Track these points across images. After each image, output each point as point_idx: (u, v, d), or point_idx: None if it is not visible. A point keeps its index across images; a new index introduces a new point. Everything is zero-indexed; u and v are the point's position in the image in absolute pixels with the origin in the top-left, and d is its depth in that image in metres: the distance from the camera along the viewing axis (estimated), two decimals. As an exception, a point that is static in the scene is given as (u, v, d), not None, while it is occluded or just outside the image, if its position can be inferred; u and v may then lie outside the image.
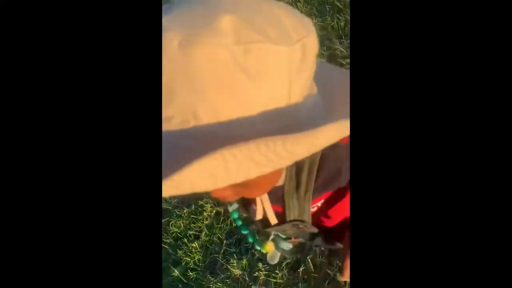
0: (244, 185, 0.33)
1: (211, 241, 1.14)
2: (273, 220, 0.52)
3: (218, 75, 0.25)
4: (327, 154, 0.44)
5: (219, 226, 1.15)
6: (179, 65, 0.25)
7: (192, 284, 1.07)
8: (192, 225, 1.17)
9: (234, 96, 0.26)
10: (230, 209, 0.58)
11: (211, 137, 0.27)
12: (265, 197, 0.50)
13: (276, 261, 0.62)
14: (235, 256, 1.06)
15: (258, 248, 0.59)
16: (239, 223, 0.59)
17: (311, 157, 0.44)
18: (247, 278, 1.02)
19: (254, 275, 1.01)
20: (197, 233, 1.16)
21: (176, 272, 1.09)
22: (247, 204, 0.56)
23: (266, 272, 1.01)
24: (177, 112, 0.26)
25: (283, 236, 0.58)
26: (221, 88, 0.26)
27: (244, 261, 1.05)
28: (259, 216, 0.52)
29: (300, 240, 0.60)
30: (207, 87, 0.26)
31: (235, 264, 1.05)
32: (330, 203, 0.55)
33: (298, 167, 0.45)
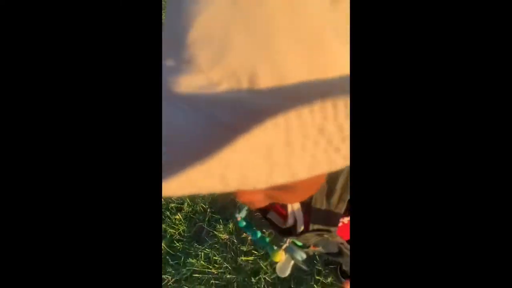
0: (284, 188, 0.27)
1: (194, 211, 1.13)
2: (300, 228, 0.47)
3: (293, 24, 0.20)
4: None
5: (201, 196, 1.14)
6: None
7: (180, 254, 1.06)
8: (172, 198, 1.16)
9: (315, 54, 0.21)
10: (239, 216, 0.52)
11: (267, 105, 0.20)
12: (297, 203, 0.45)
13: (286, 274, 0.54)
14: (221, 222, 1.07)
15: (270, 253, 0.53)
16: (248, 226, 0.53)
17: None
18: (235, 241, 1.04)
19: (242, 236, 1.03)
20: (179, 205, 1.15)
21: (162, 245, 1.08)
22: (263, 211, 0.49)
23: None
24: (226, 74, 0.20)
25: (299, 244, 0.52)
26: (296, 42, 0.20)
27: (231, 225, 1.06)
28: (290, 222, 0.46)
29: (320, 249, 0.54)
30: (274, 38, 0.20)
31: (221, 229, 1.06)
32: None
33: (333, 174, 0.39)
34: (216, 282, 0.99)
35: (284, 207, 0.47)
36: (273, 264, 0.87)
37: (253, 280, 0.96)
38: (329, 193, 0.42)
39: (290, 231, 0.47)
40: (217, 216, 1.09)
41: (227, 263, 1.01)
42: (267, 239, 0.54)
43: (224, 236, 1.05)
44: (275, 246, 0.52)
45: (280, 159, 0.20)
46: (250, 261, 0.99)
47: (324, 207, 0.43)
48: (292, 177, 0.20)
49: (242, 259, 1.00)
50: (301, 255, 0.51)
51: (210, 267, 1.01)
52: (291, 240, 0.51)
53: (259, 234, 0.53)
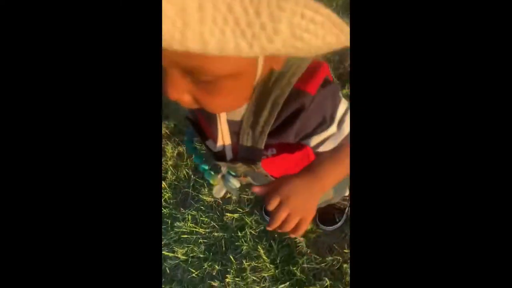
0: (208, 91, 0.31)
1: (178, 179, 1.16)
2: (229, 157, 0.51)
3: None
4: (290, 100, 0.42)
5: (184, 163, 1.18)
6: None
7: (167, 220, 1.10)
8: (156, 168, 1.18)
9: None
10: (186, 138, 0.59)
11: None
12: (225, 125, 0.48)
13: (221, 195, 0.62)
14: (205, 185, 1.11)
15: (208, 178, 0.60)
16: (193, 152, 0.60)
17: (275, 98, 0.42)
18: (220, 202, 1.08)
19: (227, 197, 1.08)
20: (163, 174, 1.18)
21: (149, 212, 1.11)
22: (204, 137, 0.55)
23: (239, 192, 1.08)
24: None
25: (233, 174, 0.58)
26: None
27: (215, 188, 1.10)
28: (219, 142, 0.50)
29: (248, 179, 0.60)
30: None
31: (206, 192, 1.10)
32: (278, 154, 0.51)
33: (259, 104, 0.43)
34: (205, 241, 1.04)
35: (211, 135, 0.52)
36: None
37: (239, 234, 1.01)
38: (254, 125, 0.44)
39: (223, 157, 0.52)
40: (201, 181, 1.13)
41: (214, 222, 1.05)
42: (207, 167, 0.59)
43: (209, 198, 1.09)
44: (213, 172, 0.59)
45: (192, 22, 0.21)
46: (236, 218, 1.04)
47: (249, 143, 0.46)
48: (203, 46, 0.22)
49: (227, 216, 1.05)
50: (234, 184, 0.57)
51: (198, 228, 1.06)
52: (226, 169, 0.56)
53: (201, 159, 0.60)
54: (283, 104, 0.42)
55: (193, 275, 0.99)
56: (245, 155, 0.49)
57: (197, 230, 1.05)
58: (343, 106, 0.46)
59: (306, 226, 0.43)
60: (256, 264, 0.96)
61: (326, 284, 0.90)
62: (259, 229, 1.01)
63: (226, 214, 1.05)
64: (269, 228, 0.42)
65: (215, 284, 0.97)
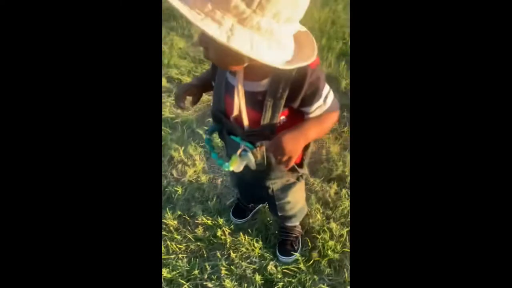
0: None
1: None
2: (246, 121, 0.65)
3: None
4: (297, 70, 0.57)
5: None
6: None
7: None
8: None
9: None
10: (206, 136, 0.75)
11: None
12: (241, 93, 0.63)
13: (240, 169, 0.71)
14: (168, 210, 1.16)
15: (227, 168, 0.70)
16: (211, 149, 0.76)
17: (290, 70, 0.56)
18: (188, 218, 1.14)
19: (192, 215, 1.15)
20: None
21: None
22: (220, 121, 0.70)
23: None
24: None
25: (250, 146, 0.69)
26: None
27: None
28: (236, 112, 0.64)
29: (263, 147, 0.69)
30: None
31: (170, 216, 1.14)
32: (287, 121, 0.67)
33: (279, 75, 0.59)
34: (184, 255, 1.05)
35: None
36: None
37: (215, 239, 1.08)
38: (275, 94, 0.61)
39: (241, 127, 0.67)
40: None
41: (188, 235, 1.09)
42: (221, 161, 0.73)
43: (174, 222, 1.14)
44: (230, 158, 0.70)
45: None
46: (207, 226, 1.12)
47: (270, 112, 0.63)
48: None
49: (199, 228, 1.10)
50: (250, 158, 0.69)
51: (174, 246, 1.06)
52: (244, 144, 0.70)
53: (215, 155, 0.76)
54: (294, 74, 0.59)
55: (186, 286, 0.97)
56: (267, 126, 0.65)
57: (174, 249, 1.06)
58: (327, 87, 0.66)
59: (293, 162, 0.65)
60: (243, 251, 1.04)
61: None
62: (232, 225, 1.12)
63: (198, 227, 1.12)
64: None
65: (211, 285, 0.97)
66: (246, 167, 0.71)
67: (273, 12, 0.47)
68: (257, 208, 1.16)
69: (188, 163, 1.33)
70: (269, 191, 0.86)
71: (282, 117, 0.67)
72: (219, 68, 0.70)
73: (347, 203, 1.15)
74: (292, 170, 0.80)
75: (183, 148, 1.38)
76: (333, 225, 1.09)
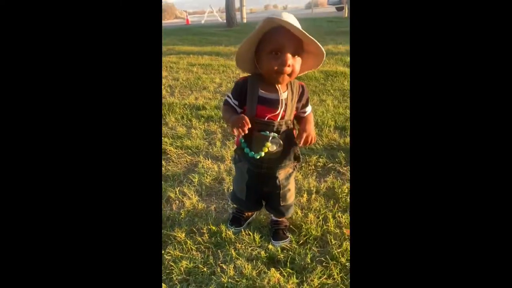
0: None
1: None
2: (287, 116, 1.06)
3: None
4: (299, 88, 1.08)
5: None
6: None
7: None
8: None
9: None
10: (238, 138, 1.09)
11: None
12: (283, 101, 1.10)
13: (274, 149, 1.06)
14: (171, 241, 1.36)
15: (258, 156, 1.05)
16: (242, 141, 1.09)
17: (297, 87, 1.09)
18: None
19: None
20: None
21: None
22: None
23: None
24: None
25: (276, 136, 1.05)
26: None
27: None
28: (281, 110, 1.08)
29: (281, 138, 1.07)
30: None
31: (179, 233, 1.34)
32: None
33: (292, 89, 1.06)
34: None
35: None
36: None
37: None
38: (291, 101, 1.11)
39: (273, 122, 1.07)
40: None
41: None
42: (252, 153, 1.08)
43: (182, 235, 1.34)
44: (262, 147, 1.07)
45: None
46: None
47: (289, 111, 1.08)
48: None
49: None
50: (279, 142, 1.06)
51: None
52: (272, 135, 1.06)
53: (248, 150, 1.10)
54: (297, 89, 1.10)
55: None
56: (286, 121, 1.08)
57: (188, 248, 1.24)
58: (307, 95, 1.14)
59: (314, 140, 1.09)
60: (246, 242, 1.27)
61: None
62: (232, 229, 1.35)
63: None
64: (301, 144, 1.07)
65: (225, 266, 1.16)
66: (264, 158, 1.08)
67: None
68: (251, 218, 1.43)
69: (183, 199, 1.59)
70: (277, 181, 1.19)
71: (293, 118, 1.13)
72: (250, 89, 1.06)
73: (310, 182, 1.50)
74: (298, 159, 1.20)
75: (178, 188, 1.65)
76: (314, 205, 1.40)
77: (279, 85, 1.06)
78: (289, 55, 0.97)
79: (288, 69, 0.98)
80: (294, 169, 1.24)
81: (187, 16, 15.75)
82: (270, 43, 0.97)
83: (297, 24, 0.95)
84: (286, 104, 1.06)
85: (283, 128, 1.09)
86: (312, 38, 0.95)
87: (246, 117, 0.99)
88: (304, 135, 1.06)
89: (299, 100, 1.11)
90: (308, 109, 1.15)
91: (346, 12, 9.88)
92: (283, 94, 1.07)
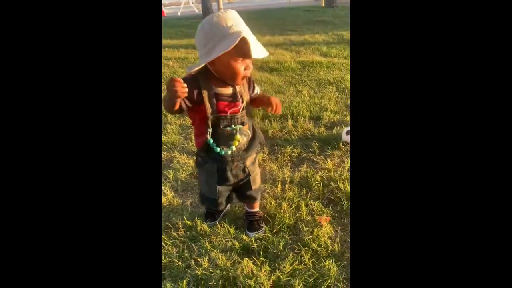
0: None
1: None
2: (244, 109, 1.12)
3: None
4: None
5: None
6: None
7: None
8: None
9: None
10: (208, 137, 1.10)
11: None
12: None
13: (245, 140, 1.13)
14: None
15: (230, 149, 1.11)
16: (211, 142, 1.13)
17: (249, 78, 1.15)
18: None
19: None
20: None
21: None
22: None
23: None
24: None
25: (241, 127, 1.11)
26: None
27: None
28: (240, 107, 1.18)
29: (247, 126, 1.15)
30: None
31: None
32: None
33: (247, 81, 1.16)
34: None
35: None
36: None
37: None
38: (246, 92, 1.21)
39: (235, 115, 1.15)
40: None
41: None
42: (222, 151, 1.12)
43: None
44: (231, 142, 1.14)
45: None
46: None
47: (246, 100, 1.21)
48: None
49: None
50: (247, 133, 1.15)
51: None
52: (238, 127, 1.12)
53: (218, 149, 1.16)
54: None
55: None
56: (246, 108, 1.14)
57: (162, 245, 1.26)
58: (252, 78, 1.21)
59: (280, 103, 1.16)
60: (221, 234, 1.30)
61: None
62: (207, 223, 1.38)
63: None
64: (276, 110, 1.14)
65: (200, 259, 1.19)
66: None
67: None
68: (225, 210, 1.45)
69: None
70: (246, 169, 1.22)
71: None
72: (204, 87, 1.05)
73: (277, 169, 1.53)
74: (261, 143, 1.25)
75: (153, 185, 1.65)
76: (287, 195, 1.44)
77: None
78: (251, 60, 1.05)
79: (251, 71, 1.06)
80: (257, 153, 1.28)
81: (163, 8, 15.41)
82: (237, 51, 0.98)
83: (241, 21, 0.99)
84: (242, 96, 1.12)
85: (245, 118, 1.15)
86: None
87: (173, 77, 0.94)
88: (272, 102, 1.14)
89: (249, 87, 1.17)
90: (257, 89, 1.20)
91: (323, 2, 9.88)
92: (237, 86, 1.11)
